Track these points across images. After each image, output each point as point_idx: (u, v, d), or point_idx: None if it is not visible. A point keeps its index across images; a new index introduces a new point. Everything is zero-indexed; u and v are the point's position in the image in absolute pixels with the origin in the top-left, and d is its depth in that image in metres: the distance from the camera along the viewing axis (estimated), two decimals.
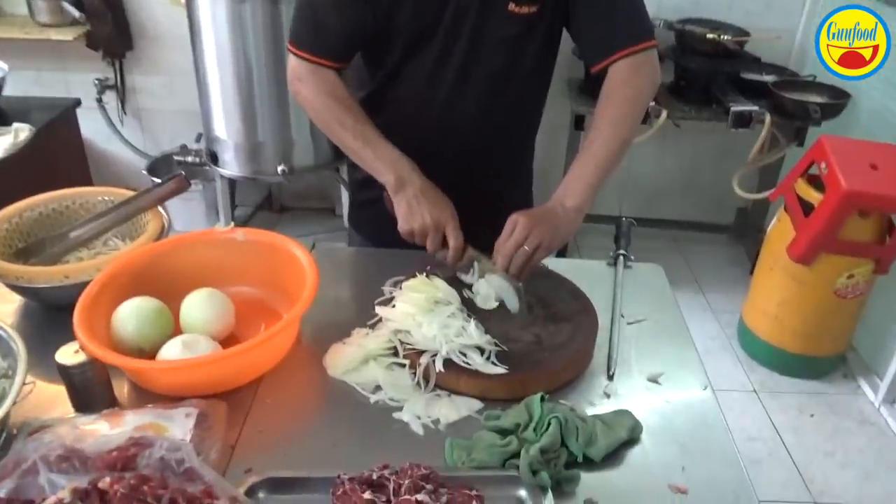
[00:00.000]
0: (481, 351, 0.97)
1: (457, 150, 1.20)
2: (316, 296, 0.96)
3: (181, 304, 1.01)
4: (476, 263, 1.08)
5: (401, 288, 1.08)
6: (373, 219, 1.31)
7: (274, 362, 0.98)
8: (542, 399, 0.89)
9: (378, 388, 0.95)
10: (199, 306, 1.00)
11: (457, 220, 1.07)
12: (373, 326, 1.04)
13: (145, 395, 0.92)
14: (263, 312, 1.08)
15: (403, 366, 0.97)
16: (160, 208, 1.21)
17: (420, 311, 1.01)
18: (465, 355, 0.96)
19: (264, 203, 3.34)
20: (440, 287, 1.06)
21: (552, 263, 1.16)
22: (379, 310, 1.05)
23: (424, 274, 1.09)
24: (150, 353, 0.95)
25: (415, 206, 1.07)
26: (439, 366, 0.95)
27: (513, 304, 1.05)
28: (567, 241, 1.07)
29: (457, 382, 0.95)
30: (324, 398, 0.95)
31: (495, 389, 0.94)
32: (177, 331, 1.00)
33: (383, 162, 1.10)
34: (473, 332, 0.98)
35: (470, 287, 1.08)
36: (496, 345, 0.98)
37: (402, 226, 1.07)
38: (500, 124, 1.21)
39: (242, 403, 0.92)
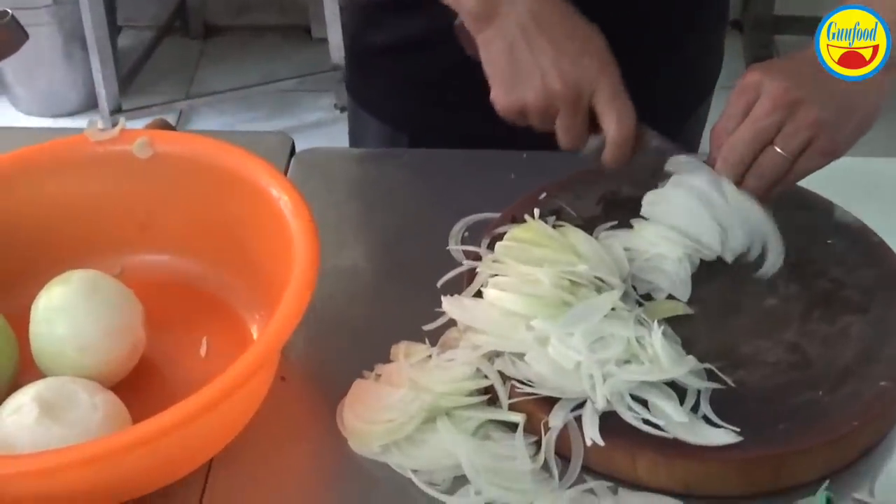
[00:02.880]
0: (679, 393, 0.92)
1: None
2: None
3: (32, 310, 0.96)
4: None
5: (491, 248, 1.03)
6: (395, 85, 1.34)
7: (236, 431, 0.93)
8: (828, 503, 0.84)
9: (462, 479, 0.90)
10: (68, 314, 0.95)
11: (617, 75, 1.04)
12: (436, 339, 1.00)
13: None
14: (200, 306, 1.07)
15: (512, 428, 0.92)
16: None
17: (541, 305, 0.95)
18: (644, 403, 0.91)
19: (173, 22, 3.39)
20: (582, 246, 1.01)
21: None
22: (448, 304, 1.00)
23: (537, 213, 1.06)
24: None
25: (524, 54, 1.03)
26: (591, 431, 0.89)
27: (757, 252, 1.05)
28: (861, 136, 1.03)
29: (631, 464, 0.89)
30: None
31: (717, 478, 0.89)
32: (25, 367, 0.97)
33: None
34: (661, 351, 0.92)
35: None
36: (712, 374, 0.93)
37: (501, 95, 1.05)
38: None
39: None
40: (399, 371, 0.96)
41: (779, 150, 1.00)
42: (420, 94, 1.32)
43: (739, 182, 1.03)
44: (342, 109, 3.02)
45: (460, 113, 1.17)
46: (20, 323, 0.96)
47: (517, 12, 1.03)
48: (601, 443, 0.87)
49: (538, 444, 0.90)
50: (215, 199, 1.05)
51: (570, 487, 0.88)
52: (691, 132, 1.41)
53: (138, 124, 1.16)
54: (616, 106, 1.02)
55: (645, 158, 1.07)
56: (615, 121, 1.03)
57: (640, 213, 1.07)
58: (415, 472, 0.90)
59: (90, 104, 2.99)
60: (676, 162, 1.07)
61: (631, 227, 1.06)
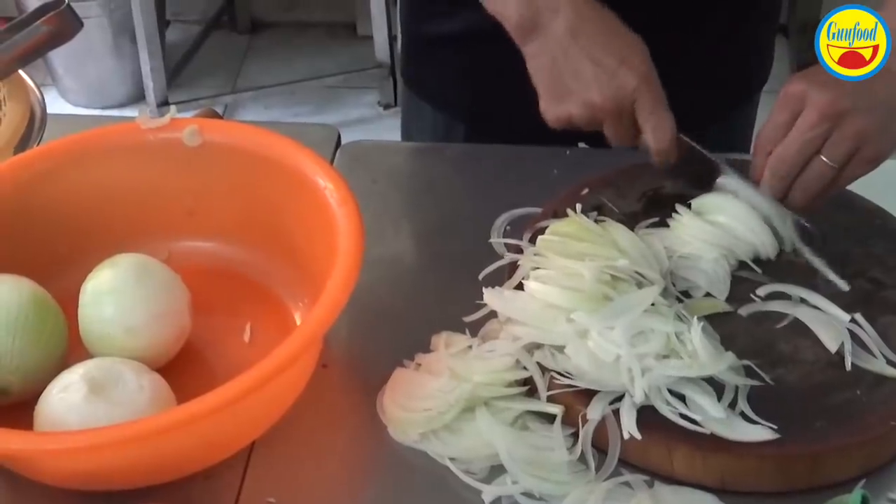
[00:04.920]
0: (717, 388, 0.91)
1: None
2: None
3: (81, 292, 0.97)
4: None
5: (533, 242, 1.04)
6: (454, 74, 1.35)
7: (278, 416, 0.95)
8: (864, 502, 0.81)
9: (499, 468, 0.90)
10: (116, 296, 0.96)
11: (657, 83, 1.05)
12: (477, 330, 1.00)
13: (24, 491, 0.90)
14: (245, 292, 1.07)
15: (550, 420, 0.92)
16: (24, 74, 1.20)
17: (581, 299, 0.95)
18: (682, 398, 0.90)
19: (221, 16, 3.40)
20: (623, 241, 1.01)
21: None
22: (489, 295, 0.99)
23: (579, 208, 1.06)
24: (25, 397, 0.92)
25: (565, 69, 1.04)
26: (628, 424, 0.89)
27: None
28: None
29: (667, 458, 0.89)
30: (386, 494, 0.92)
31: (752, 474, 0.89)
32: (73, 347, 0.97)
33: None
34: (700, 348, 0.92)
35: None
36: (750, 371, 0.93)
37: (548, 108, 1.07)
38: None
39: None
40: (439, 360, 0.96)
41: (825, 159, 1.00)
42: (479, 84, 1.32)
43: (787, 192, 1.03)
44: (386, 107, 3.03)
45: (518, 103, 1.16)
46: (69, 304, 0.96)
47: (557, 27, 1.04)
48: (638, 436, 0.87)
49: (575, 435, 0.90)
50: (262, 187, 1.05)
51: (606, 480, 0.88)
52: (739, 130, 1.41)
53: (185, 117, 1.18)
54: (653, 119, 1.03)
55: (693, 165, 1.07)
56: (652, 133, 1.04)
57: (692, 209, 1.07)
58: (452, 460, 0.90)
59: (138, 97, 3.01)
60: (722, 179, 1.08)
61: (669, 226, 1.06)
